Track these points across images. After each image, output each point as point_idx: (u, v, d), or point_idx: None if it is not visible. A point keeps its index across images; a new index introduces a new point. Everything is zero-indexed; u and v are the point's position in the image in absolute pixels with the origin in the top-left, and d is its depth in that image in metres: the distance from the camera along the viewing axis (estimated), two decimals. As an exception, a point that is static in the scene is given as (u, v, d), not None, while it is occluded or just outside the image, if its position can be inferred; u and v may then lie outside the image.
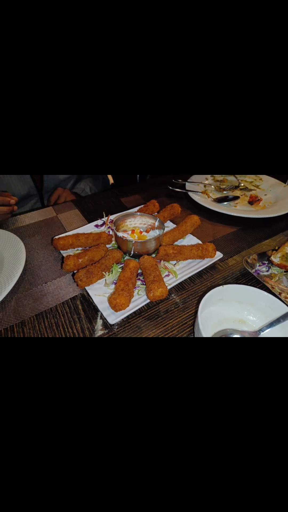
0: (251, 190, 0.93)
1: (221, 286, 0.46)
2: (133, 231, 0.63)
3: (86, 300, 0.53)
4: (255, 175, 1.00)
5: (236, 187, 0.93)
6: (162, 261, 0.58)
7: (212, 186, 0.93)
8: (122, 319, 0.49)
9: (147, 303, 0.52)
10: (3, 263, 0.59)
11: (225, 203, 0.85)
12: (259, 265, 0.60)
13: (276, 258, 0.59)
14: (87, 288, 0.53)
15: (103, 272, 0.53)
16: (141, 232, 0.63)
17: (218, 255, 0.60)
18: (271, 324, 0.44)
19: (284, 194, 0.87)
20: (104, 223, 0.72)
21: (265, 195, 0.90)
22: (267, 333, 0.43)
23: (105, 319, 0.48)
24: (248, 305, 0.48)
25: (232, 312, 0.48)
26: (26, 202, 1.03)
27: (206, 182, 0.98)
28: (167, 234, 0.63)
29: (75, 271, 0.57)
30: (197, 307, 0.43)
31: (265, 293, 0.46)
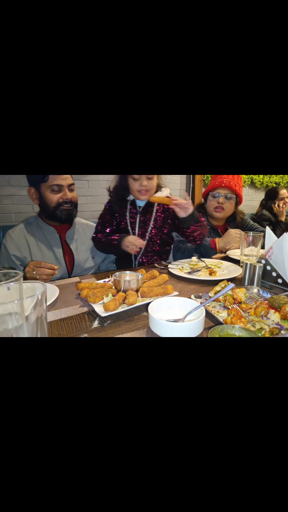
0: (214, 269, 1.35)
1: (165, 297, 0.82)
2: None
3: (91, 311, 0.89)
4: (218, 261, 1.45)
5: (206, 267, 1.37)
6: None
7: (187, 265, 1.38)
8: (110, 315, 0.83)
9: (125, 312, 0.87)
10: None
11: (193, 273, 1.27)
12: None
13: (211, 293, 0.94)
14: (92, 304, 0.90)
15: (103, 296, 0.92)
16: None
17: (175, 293, 0.97)
18: (188, 313, 0.76)
19: (233, 269, 1.28)
20: (109, 280, 1.15)
21: (223, 271, 1.31)
22: (187, 317, 0.75)
23: (100, 315, 0.83)
24: (180, 309, 0.81)
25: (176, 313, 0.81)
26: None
27: (183, 265, 1.44)
28: (145, 282, 1.03)
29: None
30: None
31: (188, 299, 0.80)
